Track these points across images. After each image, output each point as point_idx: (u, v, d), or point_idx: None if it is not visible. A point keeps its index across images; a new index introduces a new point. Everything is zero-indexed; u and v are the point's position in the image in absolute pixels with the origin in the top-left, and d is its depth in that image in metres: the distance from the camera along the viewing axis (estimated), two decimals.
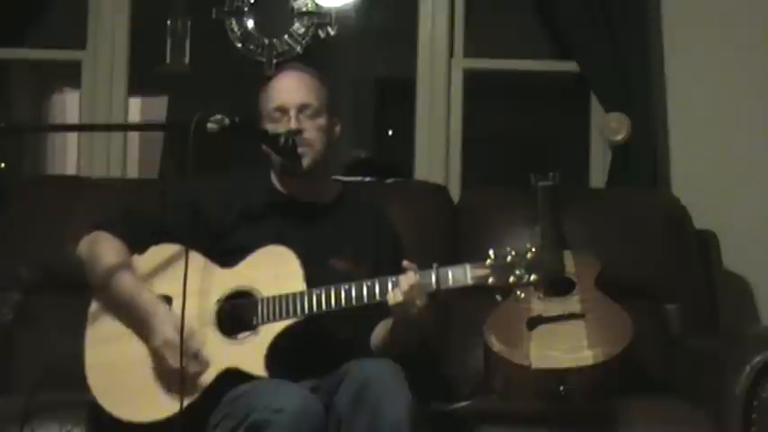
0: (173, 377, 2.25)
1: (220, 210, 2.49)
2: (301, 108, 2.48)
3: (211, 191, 2.52)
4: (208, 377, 2.27)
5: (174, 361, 2.23)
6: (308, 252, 2.37)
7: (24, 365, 2.87)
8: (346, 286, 2.30)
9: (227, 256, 2.41)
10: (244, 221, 2.48)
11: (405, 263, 2.29)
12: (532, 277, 2.24)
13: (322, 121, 2.50)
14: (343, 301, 2.29)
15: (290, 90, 2.50)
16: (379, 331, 2.48)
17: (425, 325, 2.35)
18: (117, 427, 2.28)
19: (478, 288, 2.27)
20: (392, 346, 2.41)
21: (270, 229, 2.46)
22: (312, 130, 2.48)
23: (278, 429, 2.06)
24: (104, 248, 2.44)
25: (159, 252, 2.43)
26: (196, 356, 2.26)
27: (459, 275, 2.27)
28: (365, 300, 2.29)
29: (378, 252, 2.55)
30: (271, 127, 2.49)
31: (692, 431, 2.54)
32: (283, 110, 2.48)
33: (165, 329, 2.26)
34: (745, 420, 2.47)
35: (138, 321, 2.35)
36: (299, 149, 2.46)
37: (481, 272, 2.26)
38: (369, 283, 2.29)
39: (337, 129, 2.58)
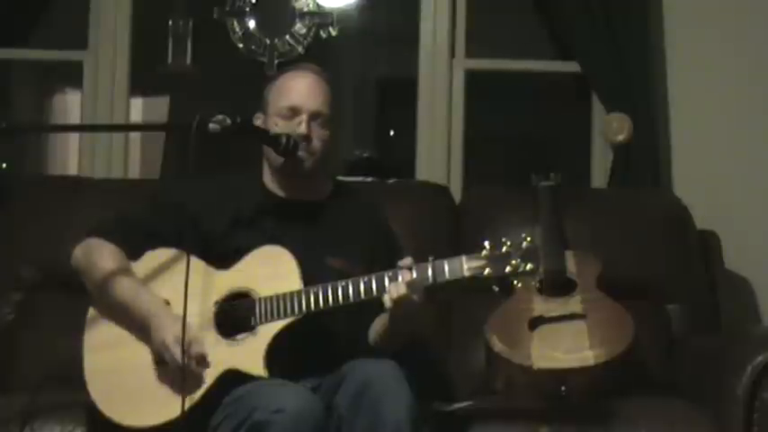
0: (176, 378, 2.23)
1: (212, 212, 2.47)
2: (314, 115, 2.47)
3: (202, 193, 2.50)
4: (208, 379, 2.26)
5: (180, 357, 2.21)
6: (303, 251, 2.37)
7: (26, 365, 2.87)
8: (343, 283, 2.29)
9: (222, 258, 2.40)
10: (237, 223, 2.47)
11: (400, 262, 2.29)
12: (528, 266, 2.23)
13: (329, 131, 2.50)
14: (340, 298, 2.29)
15: (307, 94, 2.48)
16: (376, 326, 2.47)
17: (422, 320, 2.35)
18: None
19: (475, 280, 2.26)
20: (389, 342, 2.41)
21: (264, 229, 2.45)
22: (318, 140, 2.47)
23: (279, 429, 2.06)
24: (101, 255, 2.44)
25: (155, 257, 2.43)
26: (203, 359, 2.26)
27: (456, 268, 2.26)
28: (362, 296, 2.29)
29: (372, 248, 2.54)
30: (276, 120, 2.48)
31: (694, 431, 2.54)
32: (296, 111, 2.47)
33: (174, 326, 2.24)
34: (747, 420, 2.47)
35: (140, 323, 2.34)
36: (301, 153, 2.45)
37: (477, 263, 2.26)
38: (365, 280, 2.29)
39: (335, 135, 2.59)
